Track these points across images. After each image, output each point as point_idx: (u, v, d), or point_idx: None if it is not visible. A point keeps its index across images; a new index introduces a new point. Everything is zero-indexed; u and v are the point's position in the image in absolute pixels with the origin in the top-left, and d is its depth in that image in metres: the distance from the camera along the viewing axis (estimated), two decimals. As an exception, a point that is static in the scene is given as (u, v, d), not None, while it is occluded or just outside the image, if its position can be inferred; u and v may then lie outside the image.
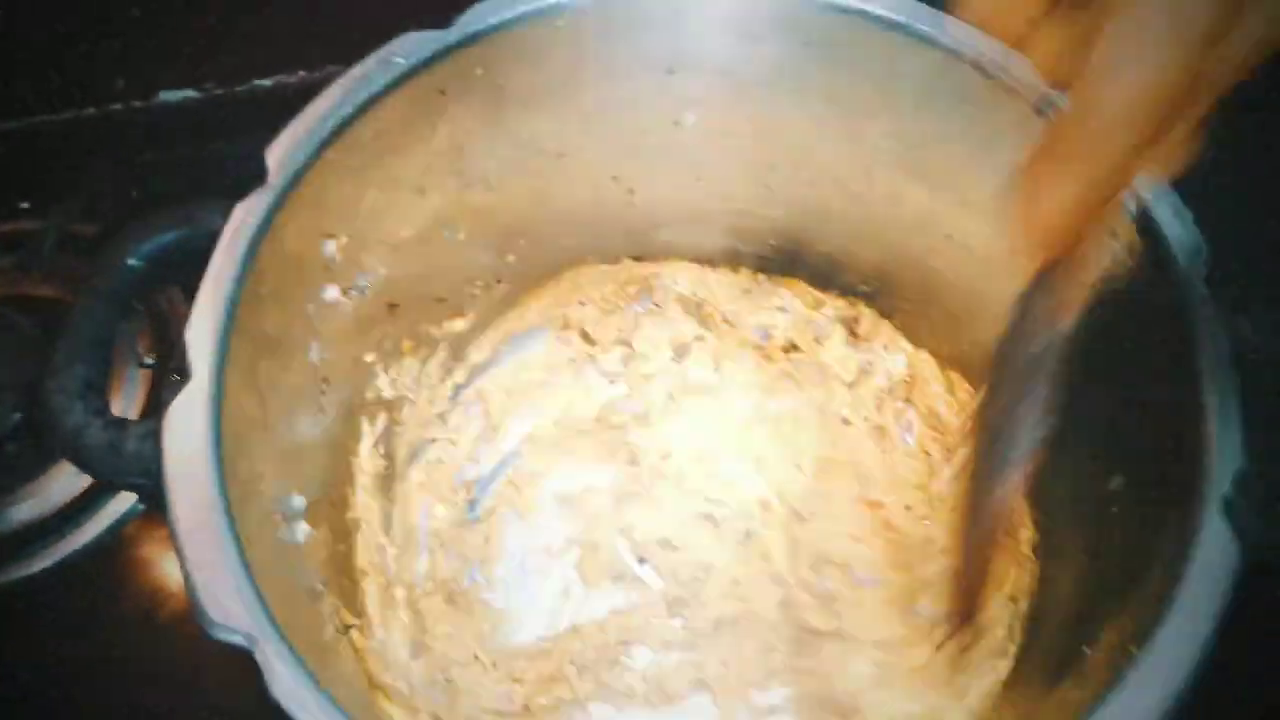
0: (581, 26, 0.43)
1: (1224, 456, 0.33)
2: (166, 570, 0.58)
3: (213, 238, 0.37)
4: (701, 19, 0.44)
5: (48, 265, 0.67)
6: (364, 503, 0.50)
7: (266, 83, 0.77)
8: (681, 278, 0.59)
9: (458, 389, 0.57)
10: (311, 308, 0.43)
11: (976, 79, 0.41)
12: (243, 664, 0.31)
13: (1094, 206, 0.28)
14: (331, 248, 0.42)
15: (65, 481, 0.60)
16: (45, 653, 0.55)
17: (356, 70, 0.40)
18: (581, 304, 0.59)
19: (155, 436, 0.34)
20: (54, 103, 0.75)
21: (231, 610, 0.30)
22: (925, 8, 0.41)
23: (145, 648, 0.56)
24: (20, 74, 0.75)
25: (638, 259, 0.59)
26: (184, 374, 0.35)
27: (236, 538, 0.32)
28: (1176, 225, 0.37)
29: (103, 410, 0.37)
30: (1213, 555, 0.31)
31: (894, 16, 0.41)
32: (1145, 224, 0.37)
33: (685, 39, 0.45)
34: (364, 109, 0.40)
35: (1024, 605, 0.47)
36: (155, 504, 0.34)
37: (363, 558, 0.49)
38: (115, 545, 0.58)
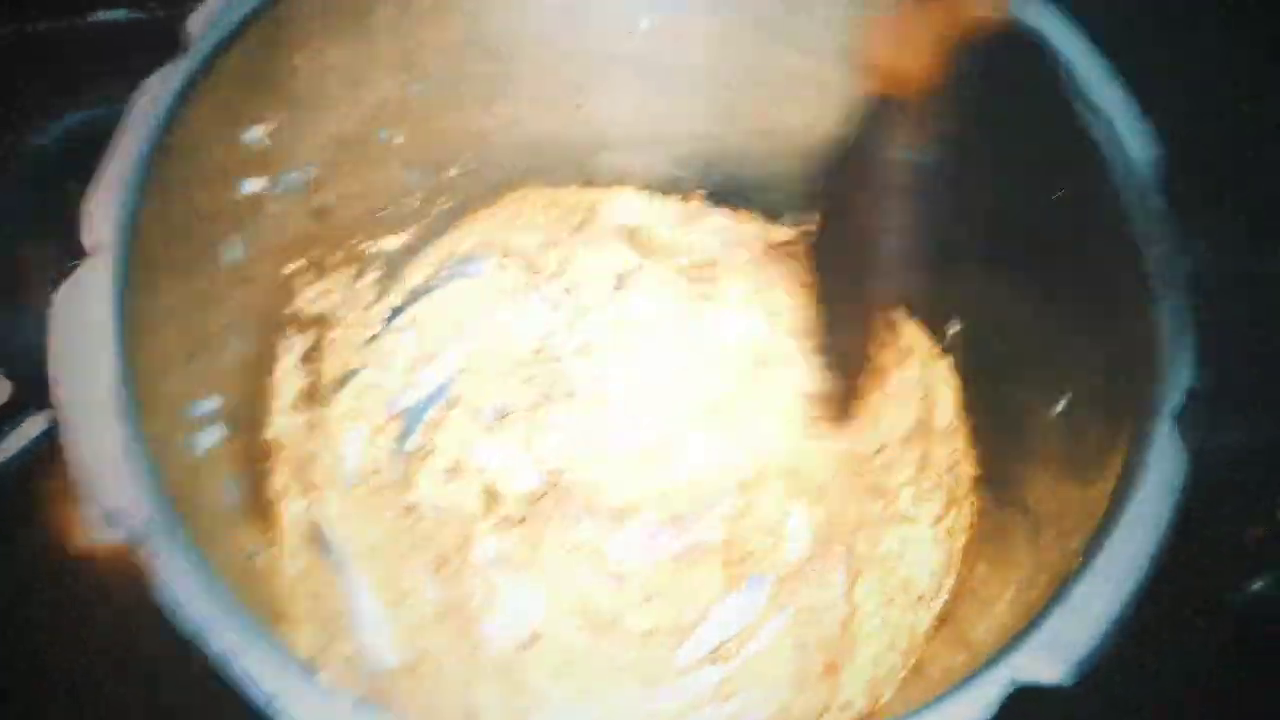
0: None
1: (1176, 373, 0.32)
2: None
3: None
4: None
5: None
6: (283, 425, 0.47)
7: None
8: (627, 206, 0.57)
9: (393, 312, 0.54)
10: (232, 199, 0.39)
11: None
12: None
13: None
14: (256, 133, 0.39)
15: None
16: None
17: (288, -61, 0.37)
18: (525, 229, 0.56)
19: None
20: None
21: (122, 499, 0.27)
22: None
23: (50, 579, 0.52)
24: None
25: (584, 185, 0.56)
26: (81, 252, 0.32)
27: (135, 431, 0.29)
28: (1133, 133, 0.36)
29: (8, 290, 0.33)
30: (1165, 466, 0.30)
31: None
32: (1102, 132, 0.36)
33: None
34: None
35: (962, 541, 0.47)
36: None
37: (278, 482, 0.46)
38: (26, 470, 0.55)
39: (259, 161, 0.40)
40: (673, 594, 0.48)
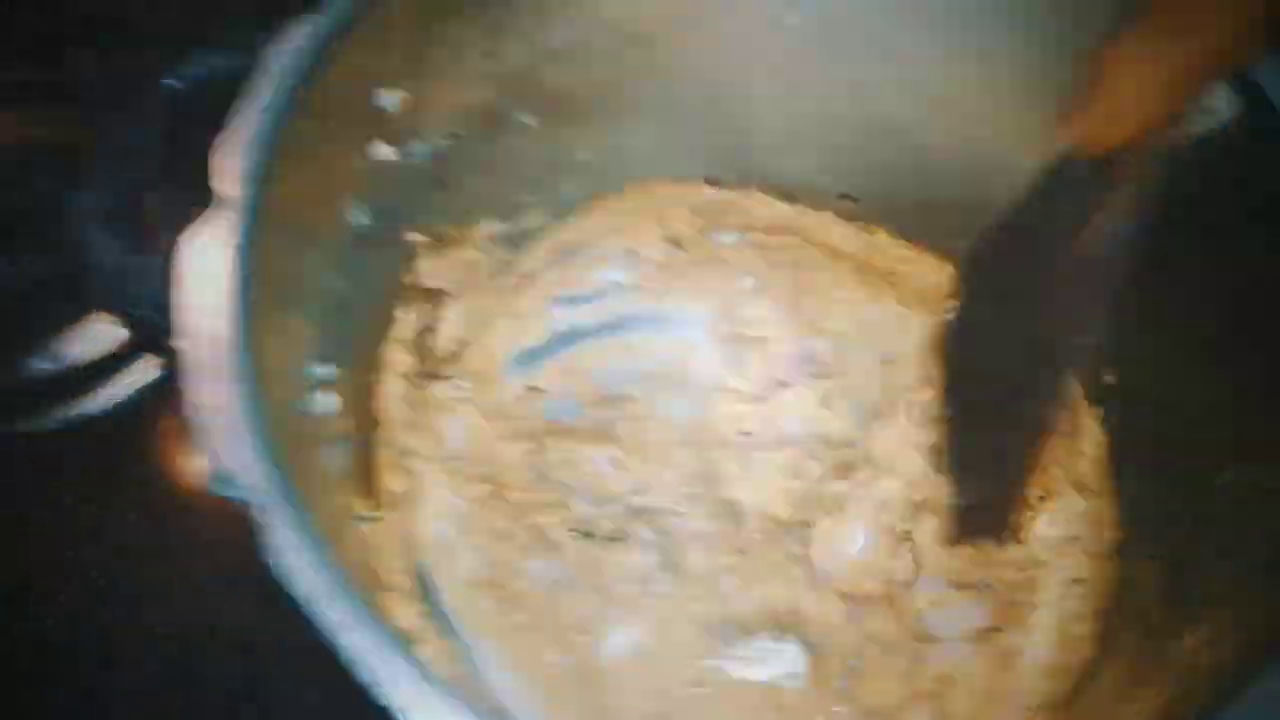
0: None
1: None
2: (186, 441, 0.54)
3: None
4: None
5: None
6: (392, 397, 0.46)
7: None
8: (759, 209, 0.54)
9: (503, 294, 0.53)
10: (359, 161, 0.39)
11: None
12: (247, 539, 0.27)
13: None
14: (387, 99, 0.38)
15: (94, 338, 0.57)
16: (60, 507, 0.52)
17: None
18: (646, 224, 0.54)
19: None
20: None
21: (239, 461, 0.26)
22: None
23: (155, 515, 0.53)
24: None
25: (710, 183, 0.54)
26: (209, 201, 0.31)
27: (253, 390, 0.28)
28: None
29: (134, 236, 0.33)
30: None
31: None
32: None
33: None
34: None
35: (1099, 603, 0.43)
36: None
37: (383, 455, 0.45)
38: (138, 408, 0.55)
39: (390, 128, 0.39)
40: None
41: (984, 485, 0.43)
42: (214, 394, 0.28)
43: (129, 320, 0.35)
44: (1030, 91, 0.42)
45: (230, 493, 0.27)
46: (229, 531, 0.27)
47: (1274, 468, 0.35)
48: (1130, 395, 0.44)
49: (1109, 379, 0.45)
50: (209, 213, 0.30)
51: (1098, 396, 0.45)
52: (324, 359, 0.37)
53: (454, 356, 0.49)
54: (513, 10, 0.41)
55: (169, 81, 0.36)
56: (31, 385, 0.54)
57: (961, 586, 0.45)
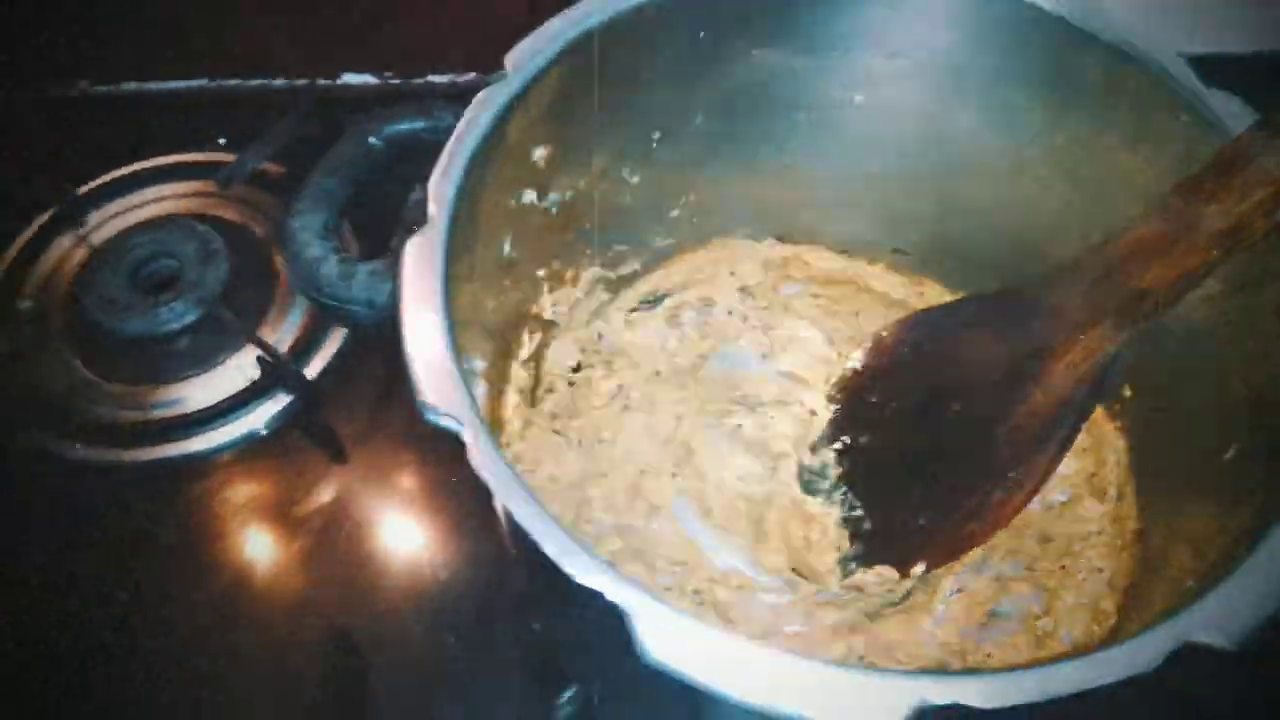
0: None
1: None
2: (310, 467, 0.64)
3: (444, 134, 0.43)
4: (884, 2, 0.49)
5: (238, 193, 0.76)
6: (511, 406, 0.54)
7: (439, 79, 0.86)
8: (820, 264, 0.64)
9: (600, 335, 0.62)
10: (512, 203, 0.48)
11: (1135, 75, 0.45)
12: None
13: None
14: (538, 154, 0.48)
15: (223, 381, 0.67)
16: (205, 517, 0.62)
17: (585, 2, 0.46)
18: (724, 275, 0.64)
19: (393, 266, 0.39)
20: (259, 71, 0.85)
21: (448, 399, 0.35)
22: (1096, 8, 0.46)
23: (279, 534, 0.62)
24: (234, 43, 0.85)
25: (781, 239, 0.63)
26: (419, 222, 0.40)
27: (454, 348, 0.37)
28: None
29: (337, 249, 0.42)
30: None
31: (1065, 13, 0.46)
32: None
33: (863, 21, 0.50)
34: (588, 36, 0.46)
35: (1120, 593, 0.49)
36: (363, 331, 0.39)
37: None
38: (267, 439, 0.65)
39: (535, 178, 0.49)
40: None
41: (888, 518, 0.51)
42: (430, 356, 0.36)
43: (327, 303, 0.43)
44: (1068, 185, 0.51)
45: (436, 420, 0.35)
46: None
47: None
48: (1148, 406, 0.51)
49: (1127, 393, 0.52)
50: (421, 229, 0.40)
51: (1118, 409, 0.53)
52: (478, 355, 0.46)
53: (548, 389, 0.58)
54: (637, 98, 0.51)
55: (372, 140, 0.45)
56: (162, 420, 0.63)
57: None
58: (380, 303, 0.41)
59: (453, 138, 0.42)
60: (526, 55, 0.44)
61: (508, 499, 0.33)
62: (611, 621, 0.31)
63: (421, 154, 0.43)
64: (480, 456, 0.34)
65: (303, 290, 0.42)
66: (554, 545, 0.32)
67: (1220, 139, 0.42)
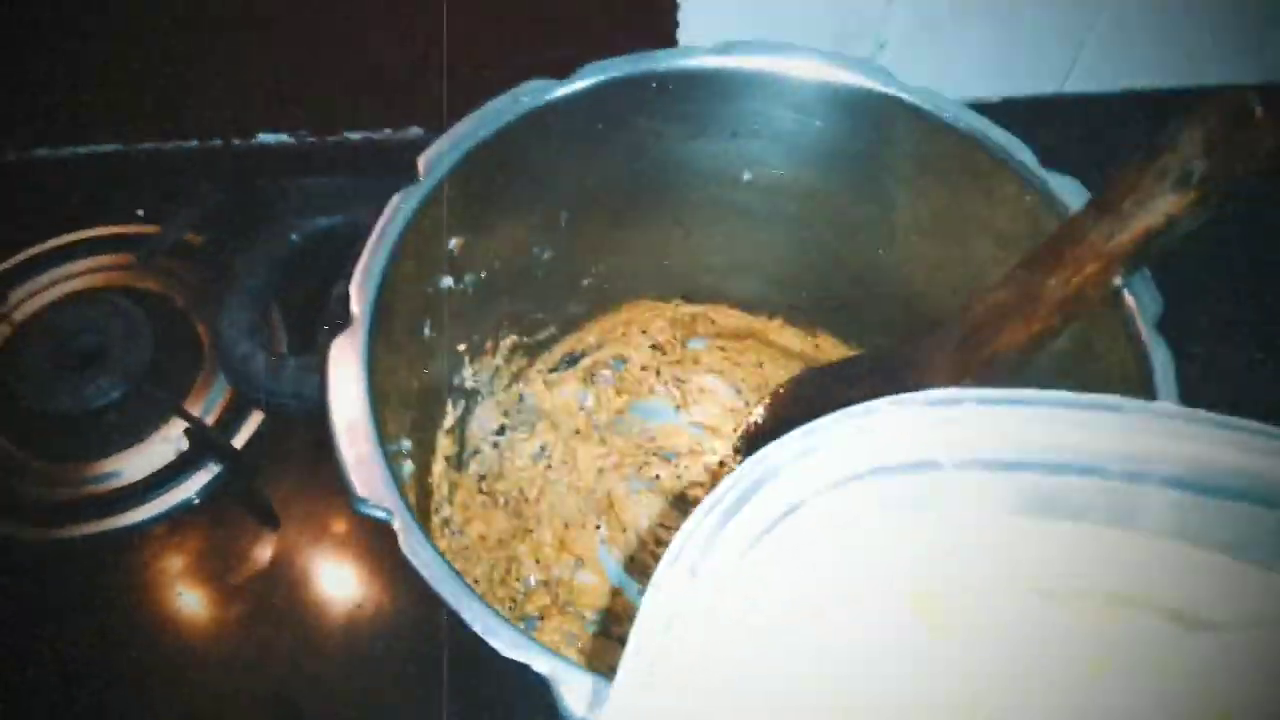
0: (668, 92, 0.54)
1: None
2: (244, 532, 0.66)
3: (359, 228, 0.47)
4: (764, 94, 0.55)
5: (158, 265, 0.77)
6: (438, 474, 0.58)
7: (354, 136, 0.88)
8: (724, 320, 0.68)
9: (521, 398, 0.66)
10: (429, 290, 0.52)
11: (986, 159, 0.51)
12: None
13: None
14: (454, 243, 0.52)
15: (153, 454, 0.68)
16: (141, 588, 0.64)
17: (490, 104, 0.50)
18: (636, 335, 0.68)
19: (318, 363, 0.42)
20: (172, 132, 0.87)
21: (377, 492, 0.38)
22: (949, 99, 0.51)
23: (217, 600, 0.64)
24: (147, 104, 0.86)
25: (686, 299, 0.68)
26: (343, 319, 0.44)
27: (380, 440, 0.40)
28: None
29: (265, 344, 0.45)
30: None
31: (921, 104, 0.51)
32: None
33: (743, 111, 0.55)
34: (495, 136, 0.50)
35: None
36: (295, 417, 0.42)
37: (434, 521, 0.56)
38: (200, 509, 0.67)
39: (451, 265, 0.53)
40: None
41: None
42: (356, 448, 0.40)
43: (262, 405, 0.46)
44: (938, 250, 0.57)
45: (368, 512, 0.38)
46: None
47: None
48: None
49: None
50: (346, 327, 0.43)
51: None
52: (404, 435, 0.50)
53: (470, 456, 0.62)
54: (539, 177, 0.55)
55: (293, 236, 0.49)
56: (93, 495, 0.65)
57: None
58: (308, 394, 0.44)
59: (371, 239, 0.45)
60: (435, 157, 0.48)
61: (437, 584, 0.36)
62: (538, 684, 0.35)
63: (340, 240, 0.47)
64: (410, 544, 0.37)
65: (234, 384, 0.45)
66: (482, 624, 0.36)
67: (1059, 217, 0.48)
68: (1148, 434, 0.27)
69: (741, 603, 0.24)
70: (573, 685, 0.34)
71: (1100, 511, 0.27)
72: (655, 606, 0.23)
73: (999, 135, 0.50)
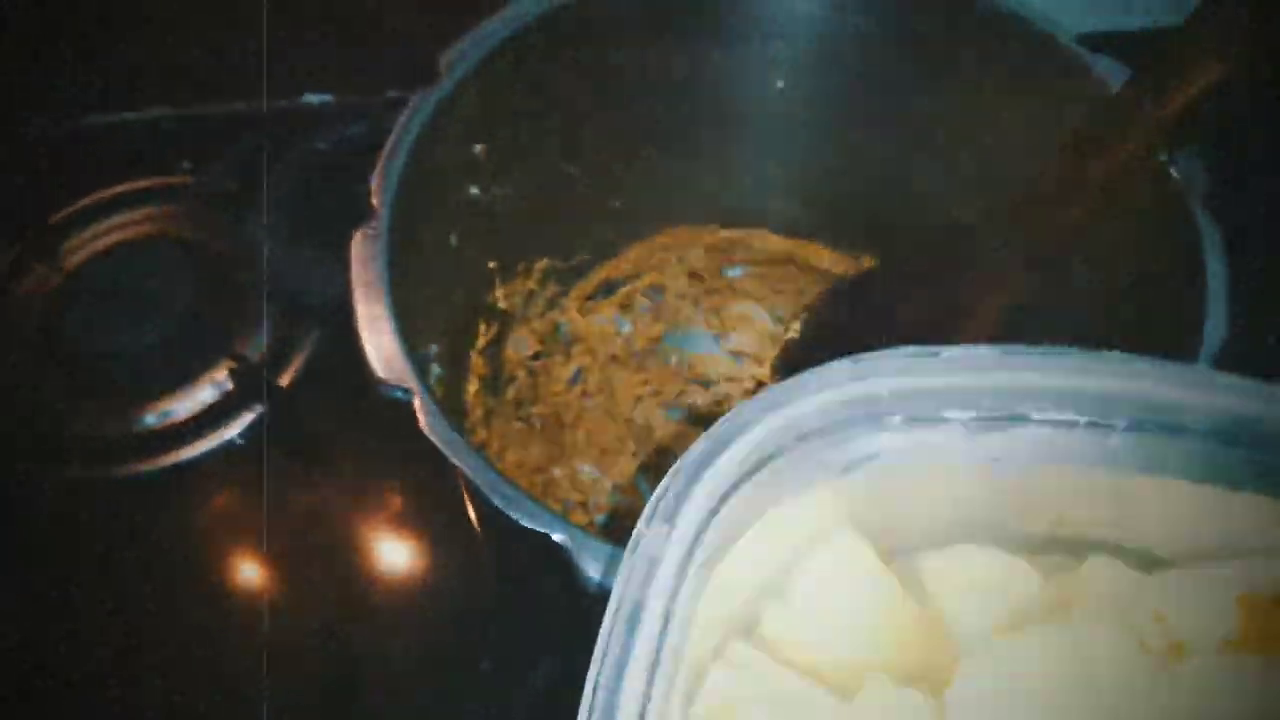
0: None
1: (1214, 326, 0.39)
2: (288, 472, 0.66)
3: (387, 135, 0.46)
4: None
5: (201, 213, 0.78)
6: (472, 392, 0.57)
7: (395, 94, 0.89)
8: (763, 245, 0.67)
9: (557, 326, 0.65)
10: (456, 197, 0.51)
11: (1026, 41, 0.49)
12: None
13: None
14: (477, 149, 0.51)
15: (199, 394, 0.69)
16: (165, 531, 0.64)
17: (515, 6, 0.50)
18: (673, 263, 0.67)
19: (341, 258, 0.42)
20: (218, 95, 0.88)
21: (397, 371, 0.38)
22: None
23: (256, 542, 0.64)
24: (187, 70, 0.88)
25: (723, 224, 0.67)
26: (366, 216, 0.43)
27: (401, 330, 0.40)
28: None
29: (294, 246, 0.45)
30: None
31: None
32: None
33: (771, 9, 0.54)
34: (517, 35, 0.49)
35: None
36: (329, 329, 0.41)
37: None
38: (245, 449, 0.67)
39: (477, 173, 0.52)
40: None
41: None
42: (381, 339, 0.39)
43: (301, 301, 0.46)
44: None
45: (388, 392, 0.38)
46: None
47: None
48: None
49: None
50: (365, 225, 0.43)
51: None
52: (433, 341, 0.49)
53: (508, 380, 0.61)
54: (572, 97, 0.54)
55: (319, 144, 0.48)
56: (143, 434, 0.66)
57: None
58: (335, 293, 0.44)
59: (392, 135, 0.45)
60: (456, 56, 0.47)
61: (457, 456, 0.36)
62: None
63: (369, 156, 0.46)
64: (429, 420, 0.37)
65: (266, 286, 0.45)
66: (500, 496, 0.35)
67: (1098, 95, 0.45)
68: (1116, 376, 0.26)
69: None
70: (591, 550, 0.33)
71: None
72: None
73: (1039, 16, 0.48)
